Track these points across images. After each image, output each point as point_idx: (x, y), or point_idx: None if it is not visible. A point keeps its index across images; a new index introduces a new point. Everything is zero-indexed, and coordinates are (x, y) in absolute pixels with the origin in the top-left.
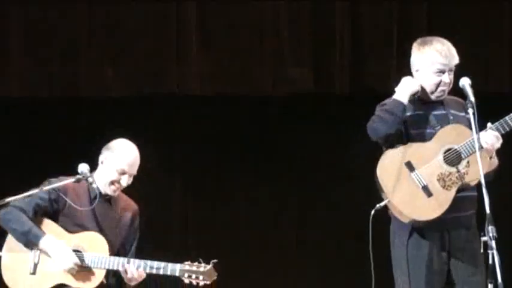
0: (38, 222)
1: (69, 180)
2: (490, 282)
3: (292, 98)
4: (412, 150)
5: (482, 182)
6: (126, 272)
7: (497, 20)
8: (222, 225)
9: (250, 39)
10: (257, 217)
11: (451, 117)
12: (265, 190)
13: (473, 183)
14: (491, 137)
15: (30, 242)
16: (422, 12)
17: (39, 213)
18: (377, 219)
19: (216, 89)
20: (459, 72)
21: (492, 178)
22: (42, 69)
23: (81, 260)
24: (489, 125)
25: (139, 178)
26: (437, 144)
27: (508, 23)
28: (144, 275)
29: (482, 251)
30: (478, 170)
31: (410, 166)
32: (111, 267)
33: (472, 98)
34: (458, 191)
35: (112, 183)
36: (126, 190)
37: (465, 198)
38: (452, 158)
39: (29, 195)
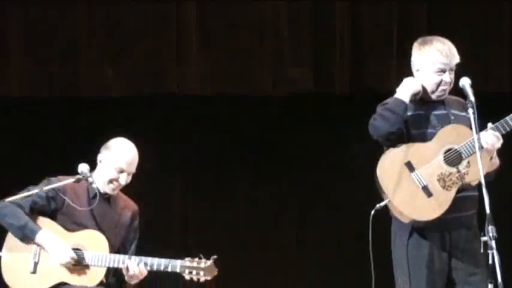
0: (37, 220)
1: (69, 181)
2: (490, 282)
3: (292, 98)
4: (413, 150)
5: (482, 182)
6: (127, 269)
7: (497, 20)
8: (222, 225)
9: (250, 39)
10: (257, 217)
11: (452, 117)
12: (265, 190)
13: (474, 183)
14: (491, 137)
15: (26, 236)
16: (422, 12)
17: (36, 210)
18: (377, 219)
19: (216, 89)
20: (459, 72)
21: (493, 178)
22: (42, 69)
23: (81, 258)
24: (490, 125)
25: (139, 178)
26: (437, 144)
27: (508, 23)
28: (145, 272)
29: (482, 251)
30: (478, 170)
31: (410, 166)
32: (111, 265)
33: (472, 98)
34: (459, 191)
35: (111, 181)
36: (126, 190)
37: (466, 198)
38: (453, 158)
39: (28, 196)
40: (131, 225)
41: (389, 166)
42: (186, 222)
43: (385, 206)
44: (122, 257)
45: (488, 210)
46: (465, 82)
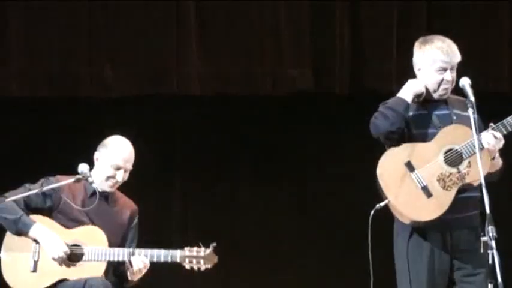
0: (33, 217)
1: (69, 181)
2: (490, 282)
3: (292, 98)
4: (413, 150)
5: (482, 182)
6: (131, 264)
7: (497, 19)
8: (222, 225)
9: (250, 39)
10: (257, 217)
11: (455, 117)
12: (265, 190)
13: (475, 183)
14: (492, 138)
15: (20, 230)
16: (422, 13)
17: (31, 206)
18: (377, 220)
19: (216, 89)
20: (459, 72)
21: (497, 178)
22: (42, 69)
23: (81, 254)
24: (491, 125)
25: (140, 178)
26: (438, 144)
27: (508, 23)
28: (148, 265)
29: (482, 251)
30: (479, 170)
31: (410, 166)
32: (112, 259)
33: (472, 98)
34: (460, 192)
35: (108, 178)
36: (126, 189)
37: (468, 199)
38: (453, 158)
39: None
40: (130, 224)
41: (389, 166)
42: (186, 222)
43: (387, 206)
44: (121, 250)
45: (488, 210)
46: (465, 82)
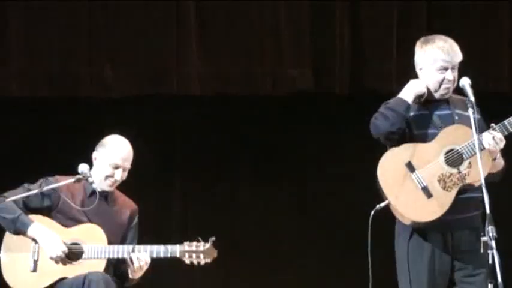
0: (32, 217)
1: (69, 181)
2: (490, 282)
3: (292, 98)
4: (414, 151)
5: (483, 182)
6: (131, 261)
7: (497, 19)
8: (222, 225)
9: (250, 39)
10: (257, 217)
11: (456, 117)
12: (265, 190)
13: (476, 184)
14: (494, 138)
15: (18, 229)
16: (422, 13)
17: (30, 206)
18: (377, 220)
19: (216, 89)
20: (459, 72)
21: (499, 178)
22: (42, 69)
23: (81, 252)
24: (493, 125)
25: (140, 178)
26: (439, 144)
27: (508, 23)
28: (148, 261)
29: (482, 251)
30: (479, 171)
31: (411, 167)
32: (111, 256)
33: (472, 98)
34: (461, 192)
35: (107, 178)
36: (126, 189)
37: (469, 200)
38: (454, 159)
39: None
40: (130, 224)
41: (390, 166)
42: (186, 223)
43: (387, 206)
44: (121, 247)
45: (488, 210)
46: (465, 82)
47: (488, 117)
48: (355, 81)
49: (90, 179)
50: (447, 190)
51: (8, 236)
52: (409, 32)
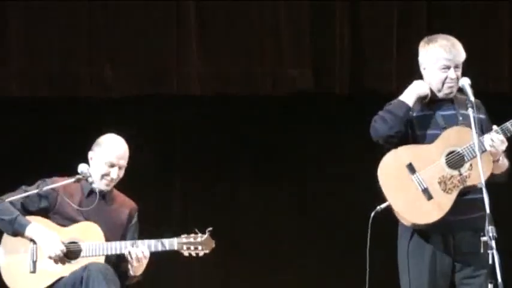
0: (29, 218)
1: (69, 181)
2: (490, 282)
3: (292, 98)
4: (415, 152)
5: (483, 184)
6: (130, 255)
7: (497, 19)
8: (222, 225)
9: (250, 39)
10: (257, 217)
11: (460, 118)
12: (265, 190)
13: (479, 186)
14: (495, 140)
15: (16, 230)
16: (422, 13)
17: (28, 208)
18: (378, 221)
19: (216, 89)
20: None
21: (504, 179)
22: (42, 69)
23: (79, 250)
24: (494, 127)
25: (140, 178)
26: (440, 146)
27: (508, 23)
28: (148, 255)
29: (482, 251)
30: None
31: (411, 168)
32: (110, 252)
33: (472, 98)
34: (465, 194)
35: (103, 177)
36: (127, 189)
37: (473, 201)
38: (455, 160)
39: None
40: (129, 222)
41: (390, 167)
42: (186, 222)
43: (389, 208)
44: (119, 243)
45: (488, 210)
46: (465, 82)
47: (489, 117)
48: (355, 81)
49: (90, 179)
50: (447, 192)
51: (6, 238)
52: (409, 32)
